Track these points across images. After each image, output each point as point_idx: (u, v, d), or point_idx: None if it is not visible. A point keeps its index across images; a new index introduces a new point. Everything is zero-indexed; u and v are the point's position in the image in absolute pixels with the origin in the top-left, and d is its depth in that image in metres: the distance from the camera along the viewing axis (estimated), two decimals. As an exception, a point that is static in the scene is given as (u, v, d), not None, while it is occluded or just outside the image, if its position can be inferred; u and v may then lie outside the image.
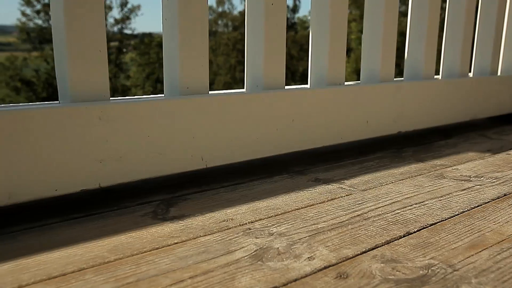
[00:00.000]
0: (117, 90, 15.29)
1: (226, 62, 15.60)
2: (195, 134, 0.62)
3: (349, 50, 14.45)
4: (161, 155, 0.59)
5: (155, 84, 15.67)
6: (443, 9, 1.01)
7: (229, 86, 16.34)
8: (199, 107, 0.62)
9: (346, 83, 0.83)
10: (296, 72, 16.73)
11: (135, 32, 17.35)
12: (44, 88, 14.64)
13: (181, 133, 0.60)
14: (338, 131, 0.80)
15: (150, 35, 16.32)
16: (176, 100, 0.60)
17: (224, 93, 0.68)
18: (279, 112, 0.71)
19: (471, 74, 1.10)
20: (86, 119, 0.52)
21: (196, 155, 0.62)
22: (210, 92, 0.65)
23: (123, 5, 15.65)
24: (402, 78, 0.97)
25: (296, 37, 16.51)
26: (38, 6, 14.76)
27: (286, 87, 0.74)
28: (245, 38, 0.71)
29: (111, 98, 0.56)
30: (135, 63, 16.24)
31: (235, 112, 0.66)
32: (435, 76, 1.00)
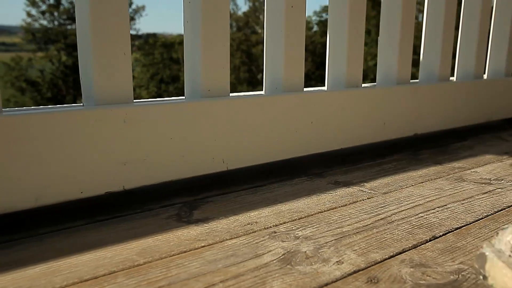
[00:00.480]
0: (121, 90, 15.28)
1: (231, 63, 15.55)
2: (217, 136, 0.62)
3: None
4: (183, 158, 0.59)
5: (159, 85, 15.69)
6: (458, 11, 1.01)
7: (234, 86, 16.35)
8: (221, 110, 0.62)
9: (363, 85, 0.83)
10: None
11: (140, 33, 17.37)
12: (49, 89, 14.70)
13: (203, 135, 0.60)
14: (355, 133, 0.80)
15: (154, 35, 16.36)
16: (198, 103, 0.60)
17: (244, 95, 0.68)
18: (298, 114, 0.71)
19: (485, 76, 1.10)
20: (111, 121, 0.53)
21: (217, 158, 0.62)
22: (230, 94, 0.65)
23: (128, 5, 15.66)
24: (417, 80, 0.96)
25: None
26: (43, 7, 14.83)
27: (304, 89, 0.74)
28: (264, 40, 0.71)
29: (134, 101, 0.56)
30: (140, 64, 16.28)
31: (255, 115, 0.66)
32: (450, 78, 1.00)
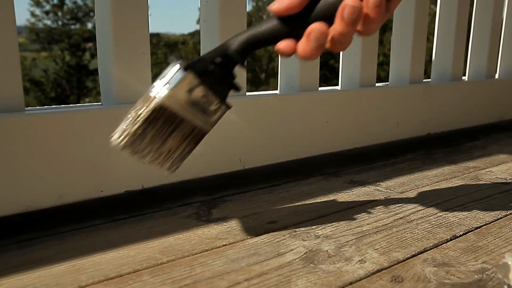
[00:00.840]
0: (125, 90, 15.33)
1: (234, 62, 15.57)
2: (234, 135, 0.62)
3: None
4: (202, 156, 0.59)
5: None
6: (469, 10, 1.00)
7: (237, 86, 16.30)
8: (238, 109, 0.62)
9: (376, 84, 0.83)
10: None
11: (143, 32, 17.34)
12: (53, 88, 14.74)
13: (220, 134, 0.60)
14: (369, 133, 0.80)
15: (157, 35, 16.38)
16: (216, 102, 0.60)
17: (261, 94, 0.68)
18: (313, 114, 0.71)
19: (497, 75, 1.09)
20: (131, 121, 0.53)
21: (234, 157, 0.62)
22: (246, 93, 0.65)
23: (131, 5, 15.70)
24: (430, 80, 0.96)
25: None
26: (47, 7, 14.88)
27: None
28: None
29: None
30: (143, 63, 16.30)
31: (271, 114, 0.66)
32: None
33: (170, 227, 0.51)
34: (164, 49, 15.34)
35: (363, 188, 0.66)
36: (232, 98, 0.63)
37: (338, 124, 0.74)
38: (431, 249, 0.47)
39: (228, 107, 0.45)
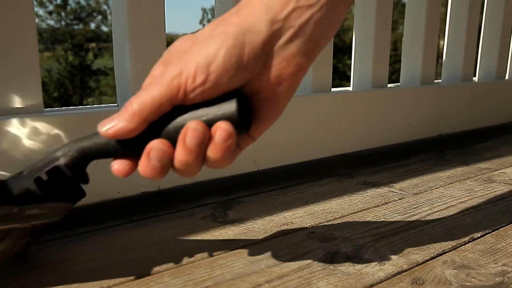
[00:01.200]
0: (128, 90, 15.37)
1: (236, 62, 15.59)
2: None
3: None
4: (217, 158, 0.59)
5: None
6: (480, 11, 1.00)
7: (239, 86, 16.32)
8: (252, 110, 0.62)
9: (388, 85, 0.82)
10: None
11: (146, 33, 17.38)
12: (56, 88, 14.79)
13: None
14: (381, 134, 0.80)
15: (160, 35, 16.37)
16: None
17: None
18: (326, 115, 0.71)
19: (507, 76, 1.09)
20: (148, 122, 0.53)
21: (248, 158, 0.62)
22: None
23: (134, 5, 15.73)
24: (440, 80, 0.96)
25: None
26: (51, 7, 14.92)
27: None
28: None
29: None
30: (146, 63, 16.31)
31: (284, 115, 0.66)
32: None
33: (187, 228, 0.51)
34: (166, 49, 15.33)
35: (377, 189, 0.66)
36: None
37: (351, 125, 0.74)
38: (449, 251, 0.47)
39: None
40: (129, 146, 0.34)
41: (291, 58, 0.34)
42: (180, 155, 0.33)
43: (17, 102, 0.46)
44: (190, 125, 0.33)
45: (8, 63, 0.45)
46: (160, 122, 0.33)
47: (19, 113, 0.47)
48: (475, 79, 1.02)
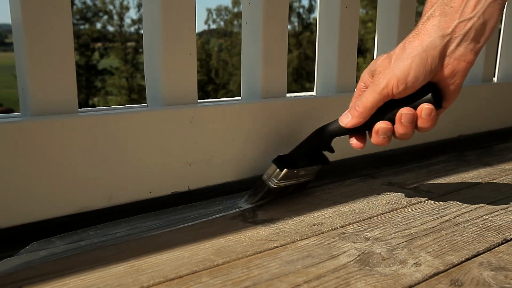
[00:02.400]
0: (133, 90, 15.44)
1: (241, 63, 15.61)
2: (275, 137, 0.62)
3: (365, 51, 14.35)
4: (245, 158, 0.59)
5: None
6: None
7: (245, 86, 16.32)
8: (279, 110, 0.62)
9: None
10: (311, 72, 16.69)
11: (151, 32, 17.44)
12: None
13: (262, 136, 0.61)
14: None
15: (166, 35, 16.39)
16: (259, 103, 0.60)
17: (298, 96, 0.68)
18: (350, 116, 0.70)
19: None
20: (179, 122, 0.53)
21: (275, 158, 0.62)
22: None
23: (140, 5, 15.80)
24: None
25: (312, 37, 16.47)
26: (57, 7, 14.96)
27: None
28: (316, 40, 0.71)
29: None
30: (151, 63, 16.36)
31: (310, 115, 0.66)
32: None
33: (218, 229, 0.51)
34: (172, 49, 15.34)
35: (402, 190, 0.65)
36: (274, 99, 0.63)
37: (373, 125, 0.74)
38: (484, 252, 0.46)
39: (317, 168, 0.61)
40: (359, 129, 0.54)
41: (460, 57, 0.49)
42: (399, 130, 0.51)
43: (53, 103, 0.47)
44: (403, 111, 0.51)
45: (45, 64, 0.45)
46: (378, 111, 0.52)
47: (55, 113, 0.47)
48: (495, 79, 1.01)
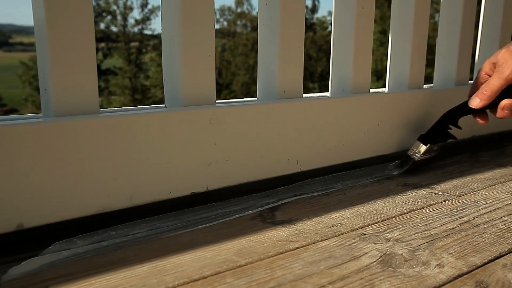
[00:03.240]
0: (137, 90, 15.47)
1: (245, 63, 15.65)
2: (292, 137, 0.62)
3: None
4: (262, 159, 0.59)
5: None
6: None
7: (248, 86, 16.36)
8: (295, 111, 0.62)
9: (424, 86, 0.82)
10: (314, 72, 16.66)
11: (155, 33, 17.53)
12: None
13: (279, 136, 0.61)
14: (416, 135, 0.79)
15: (169, 35, 16.41)
16: (276, 104, 0.60)
17: (313, 96, 0.68)
18: (366, 116, 0.70)
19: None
20: (198, 122, 0.53)
21: (292, 159, 0.63)
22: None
23: (143, 6, 15.83)
24: (472, 81, 0.95)
25: (315, 38, 16.45)
26: (61, 7, 15.01)
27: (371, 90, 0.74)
28: (331, 42, 0.71)
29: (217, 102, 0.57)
30: (155, 63, 16.41)
31: (326, 116, 0.66)
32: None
33: (237, 229, 0.51)
34: (175, 49, 15.35)
35: (419, 191, 0.65)
36: (291, 100, 0.63)
37: (388, 126, 0.74)
38: (506, 254, 0.46)
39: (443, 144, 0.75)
40: (483, 109, 0.66)
41: None
42: None
43: (75, 103, 0.47)
44: None
45: (68, 65, 0.46)
46: (501, 93, 0.64)
47: (76, 114, 0.47)
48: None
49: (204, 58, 0.54)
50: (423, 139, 0.70)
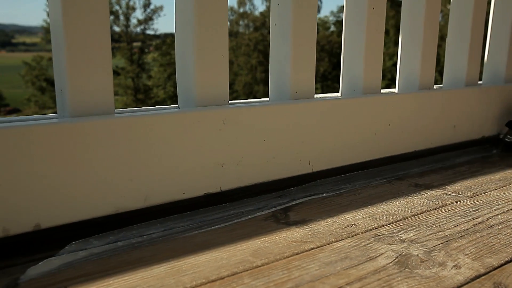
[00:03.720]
0: (139, 90, 15.48)
1: (247, 63, 15.64)
2: (304, 138, 0.62)
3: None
4: (275, 159, 0.59)
5: (176, 84, 15.77)
6: None
7: (250, 86, 16.37)
8: (308, 111, 0.62)
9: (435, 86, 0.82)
10: (316, 72, 16.63)
11: (158, 33, 17.55)
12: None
13: (291, 137, 0.61)
14: (427, 136, 0.79)
15: (172, 35, 16.46)
16: (288, 105, 0.60)
17: (327, 97, 0.68)
18: (376, 117, 0.70)
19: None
20: (212, 123, 0.53)
21: (304, 159, 0.63)
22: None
23: (146, 6, 15.85)
24: (481, 82, 0.95)
25: (317, 38, 16.41)
26: (64, 7, 15.01)
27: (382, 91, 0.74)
28: (342, 42, 0.71)
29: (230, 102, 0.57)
30: (157, 63, 16.42)
31: (338, 116, 0.66)
32: None
33: (251, 230, 0.51)
34: (178, 49, 15.36)
35: (431, 191, 0.65)
36: (303, 100, 0.63)
37: (399, 127, 0.74)
38: (522, 255, 0.46)
39: None
40: None
41: None
42: None
43: (91, 104, 0.47)
44: None
45: (84, 66, 0.46)
46: None
47: (92, 114, 0.47)
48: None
49: (218, 58, 0.54)
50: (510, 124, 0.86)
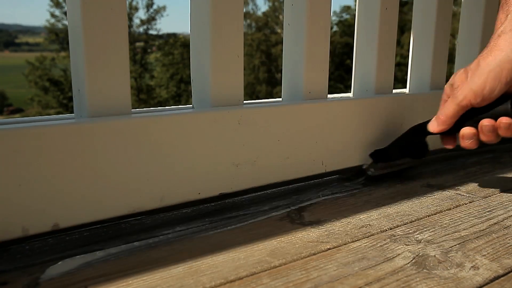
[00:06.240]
0: (142, 90, 15.52)
1: (250, 63, 15.65)
2: (317, 138, 0.62)
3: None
4: (288, 159, 0.59)
5: (179, 84, 15.81)
6: None
7: (252, 86, 16.36)
8: (321, 112, 0.62)
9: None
10: (319, 72, 16.55)
11: (160, 33, 17.58)
12: (71, 88, 14.95)
13: (305, 137, 0.61)
14: (437, 136, 0.79)
15: (174, 35, 16.49)
16: (302, 105, 0.60)
17: (340, 97, 0.68)
18: (389, 117, 0.70)
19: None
20: (228, 123, 0.53)
21: (317, 160, 0.63)
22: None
23: (148, 6, 15.87)
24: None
25: (320, 38, 16.38)
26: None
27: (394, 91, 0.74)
28: (354, 42, 0.71)
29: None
30: (159, 63, 16.45)
31: (351, 116, 0.66)
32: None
33: (267, 230, 0.51)
34: (181, 49, 15.43)
35: (444, 192, 0.65)
36: (316, 101, 0.63)
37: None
38: (540, 256, 0.46)
39: None
40: (447, 133, 0.60)
41: None
42: (483, 138, 0.57)
43: (108, 104, 0.47)
44: (483, 123, 0.56)
45: (102, 66, 0.46)
46: (462, 118, 0.58)
47: (109, 114, 0.47)
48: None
49: (233, 58, 0.54)
50: (374, 156, 0.68)
